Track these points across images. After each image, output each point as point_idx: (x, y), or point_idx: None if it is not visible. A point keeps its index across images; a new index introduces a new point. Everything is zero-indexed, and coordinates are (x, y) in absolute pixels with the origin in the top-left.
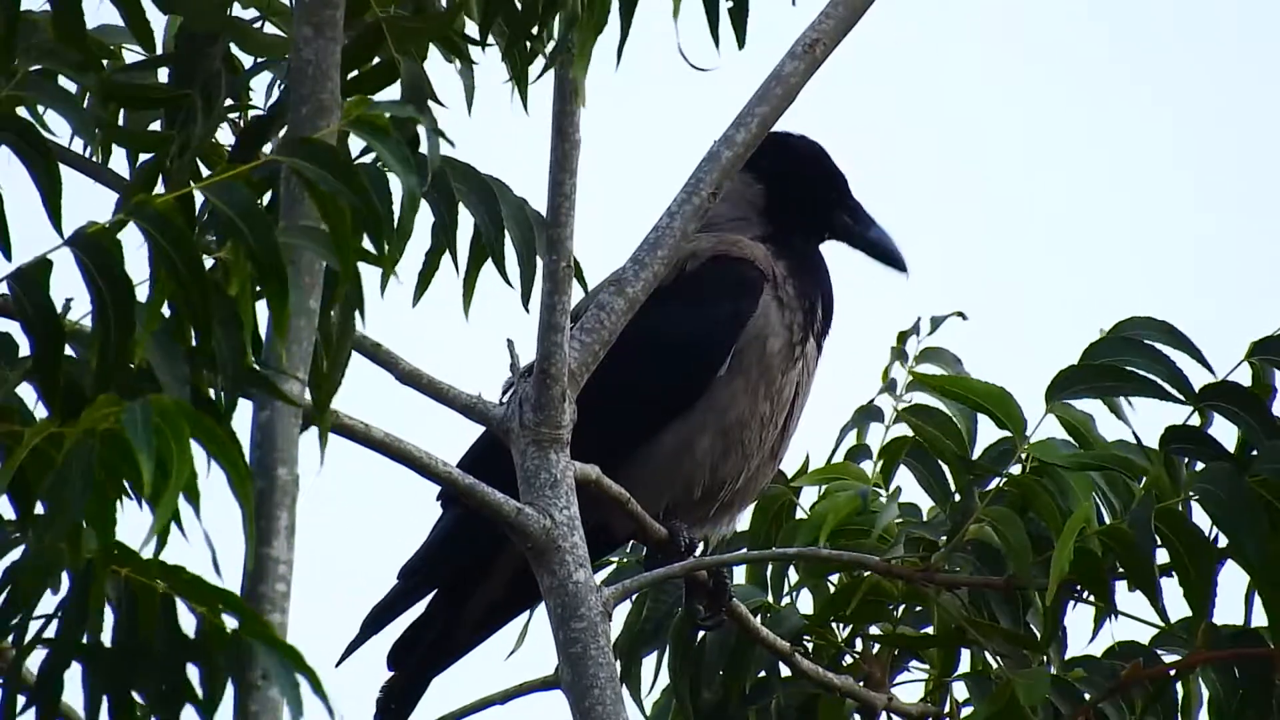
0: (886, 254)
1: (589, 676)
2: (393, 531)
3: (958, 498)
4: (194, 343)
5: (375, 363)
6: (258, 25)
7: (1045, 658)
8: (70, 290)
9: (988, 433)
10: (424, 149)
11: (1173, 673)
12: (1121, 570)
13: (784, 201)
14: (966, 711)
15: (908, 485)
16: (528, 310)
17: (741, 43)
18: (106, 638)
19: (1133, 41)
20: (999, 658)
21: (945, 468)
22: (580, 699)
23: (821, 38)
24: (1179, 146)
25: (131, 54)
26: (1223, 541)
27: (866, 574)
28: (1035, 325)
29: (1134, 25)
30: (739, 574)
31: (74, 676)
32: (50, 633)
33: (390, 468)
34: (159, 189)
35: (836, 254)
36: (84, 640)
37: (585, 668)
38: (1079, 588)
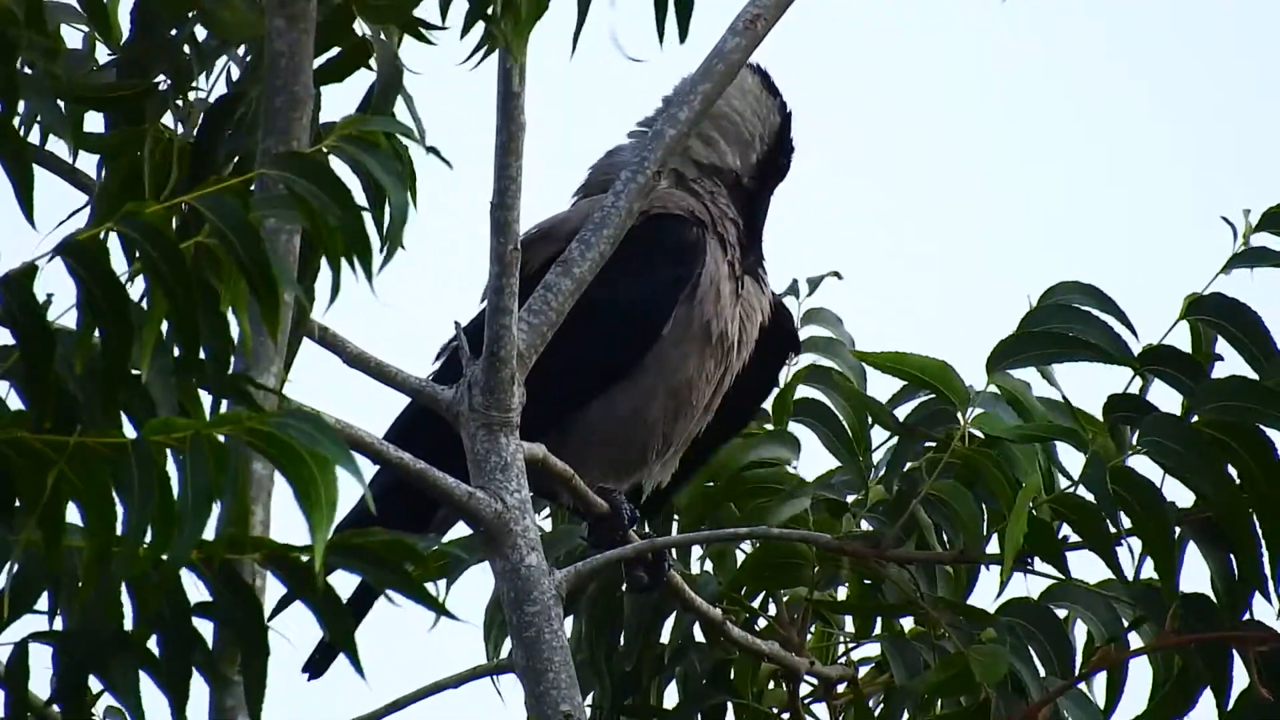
0: None
1: (543, 660)
2: None
3: (861, 458)
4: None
5: (322, 346)
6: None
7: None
8: (49, 289)
9: (883, 395)
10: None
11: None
12: (1076, 538)
13: (784, 146)
14: (865, 670)
15: (811, 446)
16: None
17: (684, 35)
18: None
19: (1129, 36)
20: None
21: (848, 427)
22: (535, 683)
23: (762, 13)
24: (1177, 144)
25: (75, 31)
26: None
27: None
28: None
29: (1131, 20)
30: None
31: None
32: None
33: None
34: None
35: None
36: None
37: (539, 651)
38: (1031, 558)
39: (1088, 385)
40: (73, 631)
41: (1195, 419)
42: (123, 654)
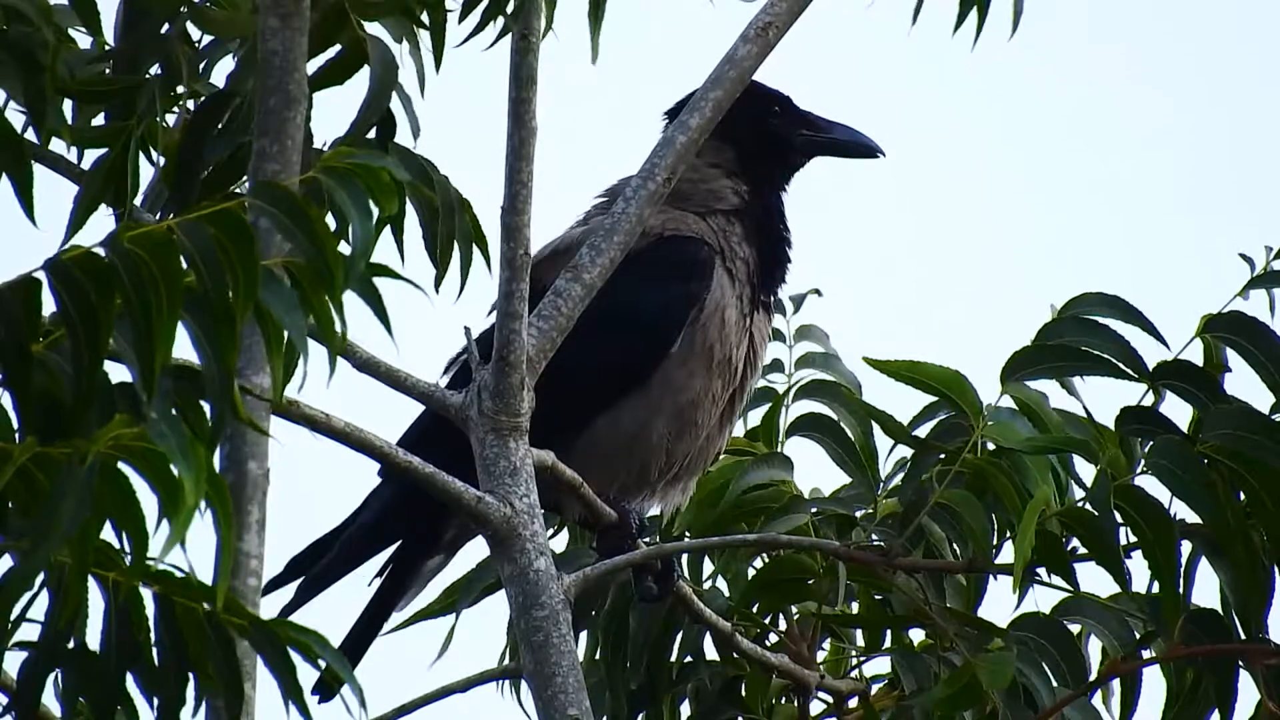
0: (855, 146)
1: (551, 664)
2: None
3: (870, 471)
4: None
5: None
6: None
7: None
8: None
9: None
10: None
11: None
12: (1084, 551)
13: (753, 152)
14: (877, 686)
15: (819, 461)
16: (437, 292)
17: None
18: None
19: (1139, 44)
20: (952, 640)
21: (854, 440)
22: (543, 687)
23: (774, 20)
24: (1178, 144)
25: (80, 34)
26: (1190, 518)
27: (784, 551)
28: (1028, 319)
29: (1141, 29)
30: None
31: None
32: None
33: (352, 457)
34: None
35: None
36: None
37: (547, 655)
38: (1042, 569)
39: (1108, 396)
40: (39, 642)
41: (1204, 443)
42: (73, 665)
